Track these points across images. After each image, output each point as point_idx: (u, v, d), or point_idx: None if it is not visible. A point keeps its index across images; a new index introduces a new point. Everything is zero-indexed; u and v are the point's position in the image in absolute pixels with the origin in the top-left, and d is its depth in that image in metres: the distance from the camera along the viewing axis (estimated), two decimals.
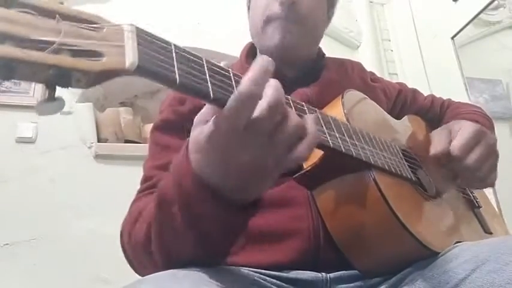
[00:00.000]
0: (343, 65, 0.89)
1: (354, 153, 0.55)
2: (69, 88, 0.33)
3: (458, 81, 2.08)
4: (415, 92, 0.99)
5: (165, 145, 0.74)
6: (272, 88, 0.40)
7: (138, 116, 2.19)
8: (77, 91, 1.97)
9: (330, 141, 0.52)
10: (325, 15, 0.86)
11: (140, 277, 0.59)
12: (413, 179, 0.67)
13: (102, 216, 1.72)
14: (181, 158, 0.46)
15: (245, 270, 0.58)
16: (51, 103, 0.32)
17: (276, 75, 0.43)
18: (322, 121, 0.53)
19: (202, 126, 0.43)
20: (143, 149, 1.91)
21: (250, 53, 0.87)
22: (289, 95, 0.49)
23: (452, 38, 2.16)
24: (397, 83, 1.01)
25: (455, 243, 0.63)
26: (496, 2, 2.00)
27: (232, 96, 0.39)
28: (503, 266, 0.47)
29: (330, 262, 0.61)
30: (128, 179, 1.74)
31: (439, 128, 0.73)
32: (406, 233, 0.55)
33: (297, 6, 0.76)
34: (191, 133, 0.45)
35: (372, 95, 0.78)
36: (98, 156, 1.87)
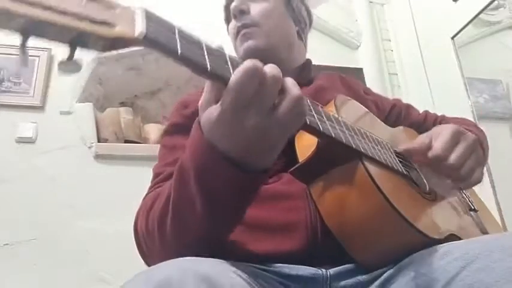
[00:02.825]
0: (333, 77, 0.94)
1: (343, 139, 0.57)
2: (87, 50, 0.39)
3: (458, 81, 2.08)
4: (409, 107, 1.01)
5: (172, 146, 0.78)
6: (270, 66, 0.46)
7: (138, 116, 2.19)
8: (77, 92, 1.97)
9: (320, 125, 0.55)
10: (286, 16, 0.92)
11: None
12: (405, 172, 0.68)
13: (102, 216, 1.72)
14: (195, 131, 0.52)
15: (249, 265, 0.58)
16: (70, 63, 0.39)
17: None
18: (312, 108, 0.56)
19: (210, 107, 0.48)
20: (143, 149, 1.93)
21: None
22: None
23: (452, 38, 2.16)
24: (392, 99, 1.04)
25: (450, 235, 0.63)
26: (496, 2, 2.00)
27: (239, 69, 0.44)
28: (492, 263, 0.47)
29: (328, 255, 0.61)
30: (128, 179, 1.75)
31: (421, 134, 0.75)
32: (401, 219, 0.56)
33: (248, 12, 0.87)
34: (200, 115, 0.50)
35: (363, 106, 0.80)
36: (98, 156, 1.87)
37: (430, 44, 2.32)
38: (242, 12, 0.87)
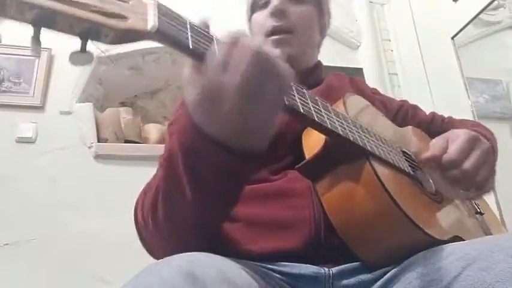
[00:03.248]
0: (342, 77, 0.94)
1: (351, 137, 0.58)
2: (99, 42, 0.39)
3: (458, 81, 2.08)
4: (416, 107, 1.01)
5: None
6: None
7: (138, 116, 2.19)
8: (77, 92, 1.97)
9: (328, 123, 0.55)
10: (317, 25, 0.91)
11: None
12: (412, 173, 0.68)
13: (102, 216, 1.72)
14: (182, 112, 0.52)
15: (252, 263, 0.58)
16: (82, 54, 0.39)
17: None
18: (321, 105, 0.56)
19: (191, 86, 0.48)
20: (143, 149, 1.94)
21: None
22: None
23: (452, 38, 2.16)
24: (399, 100, 1.04)
25: (455, 237, 0.63)
26: (496, 2, 2.00)
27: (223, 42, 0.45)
28: (492, 264, 0.47)
29: (331, 253, 0.61)
30: (128, 179, 1.75)
31: (437, 137, 0.73)
32: (406, 219, 0.56)
33: (287, 15, 0.84)
34: (185, 93, 0.49)
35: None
36: (98, 156, 1.87)
37: (430, 44, 2.32)
38: (282, 13, 0.84)
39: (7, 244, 1.64)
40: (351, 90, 0.87)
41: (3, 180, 1.72)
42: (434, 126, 0.96)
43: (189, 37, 0.43)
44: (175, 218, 0.56)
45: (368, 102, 0.78)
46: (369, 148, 0.60)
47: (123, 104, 2.27)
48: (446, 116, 1.02)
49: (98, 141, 1.92)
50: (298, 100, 0.52)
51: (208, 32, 0.46)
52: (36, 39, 0.36)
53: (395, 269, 0.58)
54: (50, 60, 1.94)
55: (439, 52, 2.24)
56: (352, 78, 0.96)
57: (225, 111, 0.45)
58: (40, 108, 1.89)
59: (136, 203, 0.67)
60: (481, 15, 2.04)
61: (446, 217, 0.69)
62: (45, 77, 1.93)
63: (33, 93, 1.90)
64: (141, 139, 2.09)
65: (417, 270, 0.55)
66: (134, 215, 0.66)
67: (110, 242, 1.65)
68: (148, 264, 0.48)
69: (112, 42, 0.39)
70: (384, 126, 0.78)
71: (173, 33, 0.42)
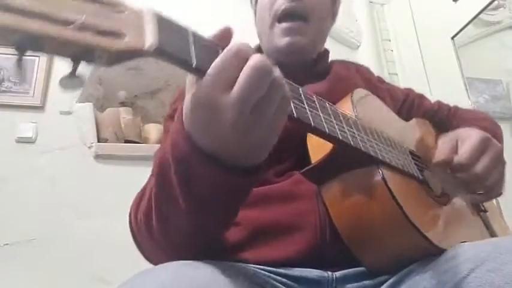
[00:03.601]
0: (349, 65, 0.92)
1: (362, 147, 0.56)
2: (93, 64, 0.34)
3: (458, 81, 2.08)
4: (422, 97, 1.00)
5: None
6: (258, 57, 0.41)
7: (138, 116, 2.19)
8: (77, 92, 1.97)
9: (339, 133, 0.53)
10: (330, 11, 0.88)
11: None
12: (421, 177, 0.67)
13: (102, 216, 1.72)
14: (177, 120, 0.47)
15: (253, 267, 0.57)
16: (72, 79, 0.35)
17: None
18: (331, 113, 0.54)
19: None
20: (143, 149, 1.94)
21: None
22: None
23: (452, 38, 2.16)
24: (405, 88, 1.02)
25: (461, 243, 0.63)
26: (496, 2, 2.00)
27: (217, 59, 0.40)
28: (501, 265, 0.47)
29: (336, 258, 0.60)
30: (128, 179, 1.75)
31: (446, 135, 0.71)
32: (413, 228, 0.56)
33: None
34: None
35: (377, 95, 0.79)
36: (98, 156, 1.87)
37: (430, 44, 2.32)
38: None
39: (7, 244, 1.64)
40: (358, 79, 0.85)
41: (3, 180, 1.72)
42: (440, 115, 0.95)
43: (193, 53, 0.38)
44: (170, 230, 0.54)
45: (373, 95, 0.76)
46: (380, 157, 0.59)
47: (123, 104, 2.27)
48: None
49: (98, 141, 1.91)
50: (308, 111, 0.49)
51: (213, 45, 0.42)
52: (19, 62, 0.32)
53: (400, 273, 0.57)
54: (50, 60, 1.94)
55: (439, 52, 2.24)
56: (358, 67, 0.94)
57: (220, 129, 0.42)
58: (40, 108, 1.89)
59: (131, 209, 0.65)
60: (481, 15, 2.04)
61: (452, 221, 0.69)
62: (45, 77, 1.92)
63: (33, 93, 1.90)
64: (141, 139, 2.09)
65: (423, 273, 0.54)
66: (129, 221, 0.65)
67: (110, 242, 1.64)
68: (145, 269, 0.48)
69: (107, 64, 0.35)
70: (389, 121, 0.77)
71: (174, 51, 0.37)
